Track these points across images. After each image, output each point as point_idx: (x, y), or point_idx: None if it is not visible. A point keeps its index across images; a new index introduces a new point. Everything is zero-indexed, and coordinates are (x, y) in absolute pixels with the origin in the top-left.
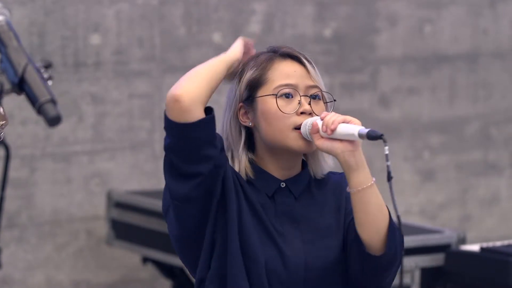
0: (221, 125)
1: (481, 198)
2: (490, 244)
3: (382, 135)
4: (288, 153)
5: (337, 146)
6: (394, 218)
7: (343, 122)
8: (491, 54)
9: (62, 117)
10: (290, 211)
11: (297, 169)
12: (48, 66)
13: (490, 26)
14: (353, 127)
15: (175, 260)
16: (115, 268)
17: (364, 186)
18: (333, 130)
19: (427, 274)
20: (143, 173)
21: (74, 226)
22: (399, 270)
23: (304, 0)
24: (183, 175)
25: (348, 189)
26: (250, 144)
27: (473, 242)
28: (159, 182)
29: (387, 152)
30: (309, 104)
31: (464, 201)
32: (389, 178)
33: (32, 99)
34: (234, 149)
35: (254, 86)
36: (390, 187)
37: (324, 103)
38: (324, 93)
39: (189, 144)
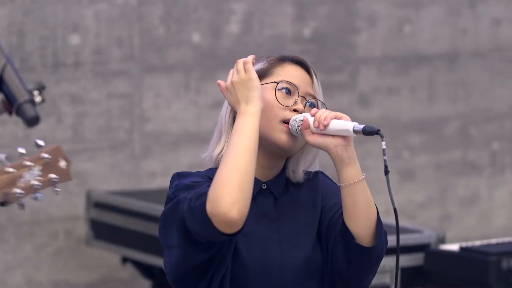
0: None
1: (460, 197)
2: (470, 243)
3: (378, 130)
4: (271, 151)
5: (330, 141)
6: (385, 212)
7: (334, 118)
8: (471, 54)
9: (41, 117)
10: (270, 212)
11: (278, 170)
12: (41, 88)
13: (470, 26)
14: (347, 123)
15: (154, 260)
16: (95, 268)
17: (356, 180)
18: (326, 126)
19: (407, 274)
20: (122, 173)
21: (53, 226)
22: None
23: (284, 0)
24: (202, 244)
25: (338, 183)
26: None
27: (452, 241)
28: (138, 182)
29: (384, 146)
30: (304, 106)
31: (444, 201)
32: (386, 172)
33: (11, 99)
34: (223, 132)
35: (258, 76)
36: (388, 181)
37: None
38: (320, 105)
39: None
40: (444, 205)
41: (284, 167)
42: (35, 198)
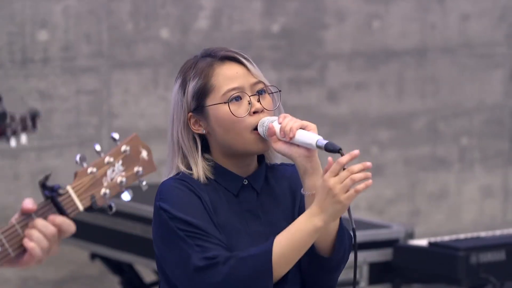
0: (169, 136)
1: (429, 192)
2: (438, 238)
3: (340, 149)
4: (247, 154)
5: (294, 151)
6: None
7: (300, 128)
8: (439, 49)
9: (8, 114)
10: (253, 208)
11: (254, 164)
12: (35, 115)
13: (438, 21)
14: (311, 137)
15: (123, 256)
16: (63, 264)
17: None
18: (291, 138)
19: (375, 269)
20: None
21: None
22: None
23: None
24: None
25: (302, 191)
26: (205, 148)
27: (421, 236)
28: None
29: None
30: (258, 101)
31: (413, 196)
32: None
33: None
34: (190, 156)
35: (201, 95)
36: (349, 208)
37: (268, 94)
38: (268, 86)
39: None
40: (413, 201)
41: (262, 160)
42: (122, 196)
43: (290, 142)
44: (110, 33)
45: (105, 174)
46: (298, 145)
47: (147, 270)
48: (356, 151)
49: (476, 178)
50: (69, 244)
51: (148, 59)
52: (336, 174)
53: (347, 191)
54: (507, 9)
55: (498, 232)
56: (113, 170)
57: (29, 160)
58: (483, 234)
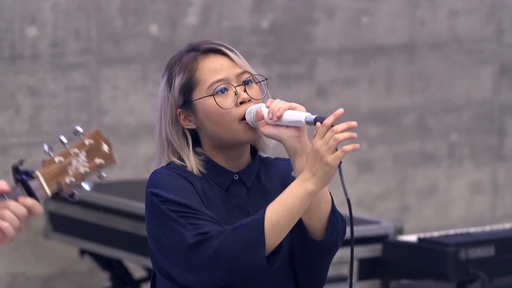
0: (158, 132)
1: (418, 188)
2: (428, 234)
3: None
4: (237, 145)
5: (283, 132)
6: (337, 203)
7: (288, 109)
8: (428, 45)
9: None
10: (243, 203)
11: (247, 157)
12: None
13: (427, 17)
14: (299, 114)
15: (112, 252)
16: (53, 260)
17: None
18: (279, 117)
19: (365, 265)
20: None
21: None
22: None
23: None
24: None
25: (293, 174)
26: (196, 142)
27: (410, 232)
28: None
29: None
30: (245, 91)
31: (402, 192)
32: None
33: None
34: (181, 152)
35: (187, 90)
36: (340, 172)
37: (255, 83)
38: (254, 75)
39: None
40: (402, 196)
41: (255, 154)
42: (84, 186)
43: (279, 124)
44: (99, 29)
45: (70, 164)
46: (287, 126)
47: (136, 266)
48: (340, 110)
49: (465, 174)
50: (59, 240)
51: (137, 55)
52: (323, 137)
53: (334, 152)
54: (496, 5)
55: (487, 228)
56: (78, 161)
57: (19, 157)
58: (472, 230)
